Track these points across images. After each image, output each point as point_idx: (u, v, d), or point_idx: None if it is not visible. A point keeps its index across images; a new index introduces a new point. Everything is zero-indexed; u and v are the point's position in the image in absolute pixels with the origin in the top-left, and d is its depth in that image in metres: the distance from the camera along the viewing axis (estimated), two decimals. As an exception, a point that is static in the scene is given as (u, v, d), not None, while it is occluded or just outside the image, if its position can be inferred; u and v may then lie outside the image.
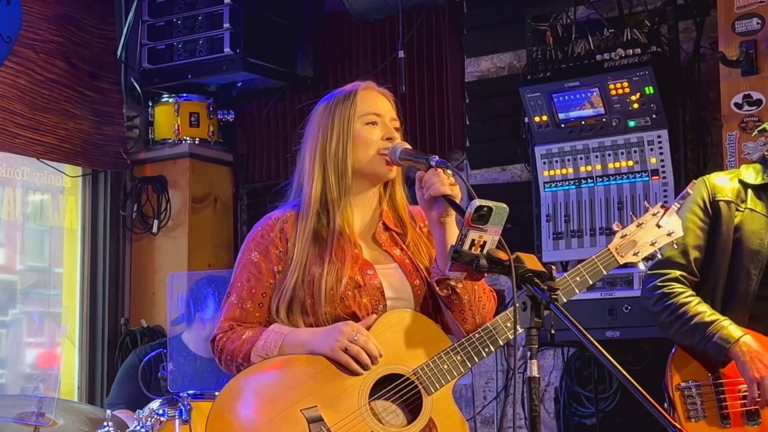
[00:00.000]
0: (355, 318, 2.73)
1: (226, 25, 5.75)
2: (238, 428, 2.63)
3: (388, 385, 2.68)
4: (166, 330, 5.95)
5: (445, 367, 2.67)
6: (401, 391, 2.68)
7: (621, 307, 4.59)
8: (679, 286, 3.43)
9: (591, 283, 2.77)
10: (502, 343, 2.72)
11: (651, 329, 4.30)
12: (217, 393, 4.05)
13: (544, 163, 4.88)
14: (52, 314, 6.09)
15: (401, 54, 5.24)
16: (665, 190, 4.59)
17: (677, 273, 3.43)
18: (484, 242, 2.43)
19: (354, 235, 2.82)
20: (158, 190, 6.11)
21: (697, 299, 3.41)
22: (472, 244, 2.43)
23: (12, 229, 5.98)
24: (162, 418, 4.01)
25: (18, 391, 5.72)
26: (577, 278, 2.76)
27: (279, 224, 2.84)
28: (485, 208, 2.41)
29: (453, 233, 2.72)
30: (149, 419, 4.00)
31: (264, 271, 2.80)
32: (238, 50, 5.74)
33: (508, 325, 2.71)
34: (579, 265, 2.78)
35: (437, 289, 2.76)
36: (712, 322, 3.34)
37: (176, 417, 4.00)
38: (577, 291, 2.75)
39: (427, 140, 5.68)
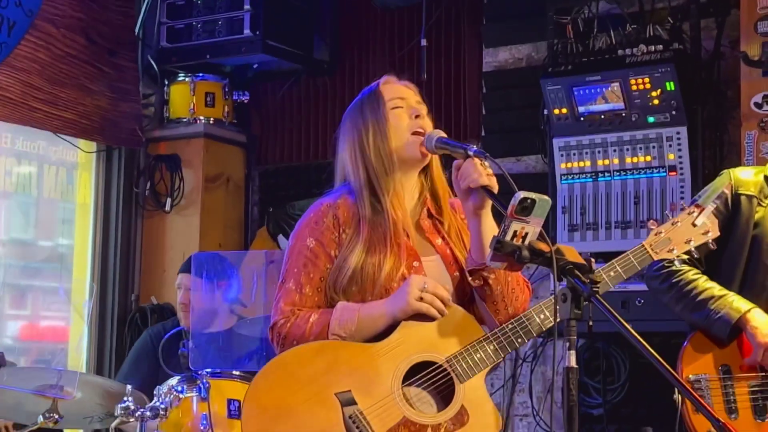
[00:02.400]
0: None
1: (247, 6, 5.77)
2: (274, 408, 2.68)
3: (420, 372, 2.72)
4: (176, 308, 5.99)
5: (478, 356, 2.71)
6: (434, 379, 2.72)
7: (634, 300, 4.65)
8: (687, 266, 3.49)
9: (625, 278, 2.81)
10: (535, 334, 2.76)
11: (663, 323, 4.37)
12: (235, 372, 4.16)
13: (562, 155, 4.92)
14: (63, 289, 6.13)
15: (424, 42, 5.27)
16: (682, 187, 4.64)
17: (685, 256, 3.47)
18: (526, 233, 2.47)
19: (406, 220, 2.87)
20: (172, 168, 6.13)
21: (704, 277, 3.47)
22: (514, 235, 2.47)
23: (29, 202, 6.02)
24: (181, 395, 4.06)
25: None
26: (611, 273, 2.80)
27: (332, 210, 2.88)
28: (529, 200, 2.46)
29: (488, 224, 2.77)
30: (168, 395, 4.05)
31: (321, 256, 2.83)
32: (257, 32, 5.76)
33: (542, 316, 2.75)
34: (613, 260, 2.82)
35: (470, 279, 2.80)
36: (722, 296, 3.41)
37: (195, 394, 4.05)
38: (611, 285, 2.80)
39: (443, 128, 5.70)
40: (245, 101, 6.27)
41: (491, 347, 2.73)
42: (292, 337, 2.78)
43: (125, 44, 6.04)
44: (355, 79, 6.09)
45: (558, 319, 2.45)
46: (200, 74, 6.13)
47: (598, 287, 2.39)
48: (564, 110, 4.87)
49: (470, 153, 2.77)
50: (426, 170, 2.98)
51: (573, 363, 2.41)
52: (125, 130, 6.02)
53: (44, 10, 5.55)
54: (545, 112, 5.00)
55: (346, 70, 6.15)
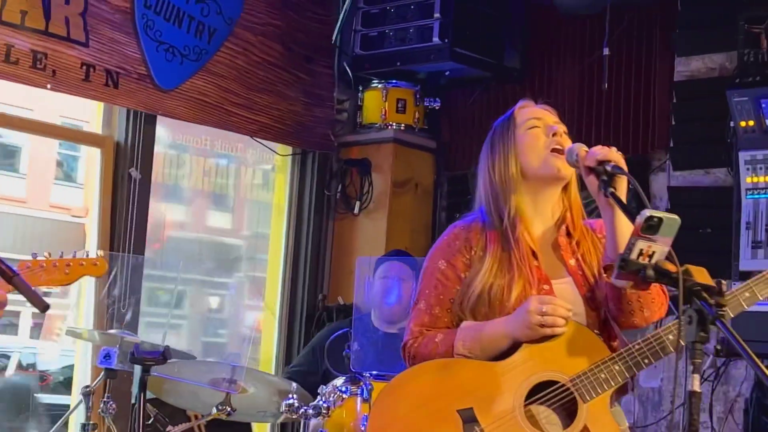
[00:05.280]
0: None
1: (437, 14, 5.84)
2: (398, 423, 2.75)
3: (544, 391, 2.72)
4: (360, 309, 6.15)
5: (603, 376, 2.69)
6: (556, 398, 2.71)
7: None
8: None
9: (761, 298, 2.72)
10: (663, 356, 2.70)
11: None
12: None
13: (748, 169, 4.75)
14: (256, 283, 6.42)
15: (606, 51, 5.19)
16: None
17: None
18: (653, 252, 2.42)
19: (535, 244, 2.88)
20: (362, 172, 6.28)
21: None
22: (640, 253, 2.42)
23: (228, 201, 6.33)
24: (344, 395, 4.16)
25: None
26: (746, 293, 2.72)
27: (464, 233, 2.95)
28: (656, 219, 2.40)
29: (623, 218, 2.72)
30: (332, 395, 4.15)
31: (451, 278, 2.90)
32: (446, 40, 5.82)
33: (670, 337, 2.69)
34: (749, 280, 2.74)
35: (605, 275, 2.77)
36: None
37: (358, 395, 4.14)
38: (746, 306, 2.71)
39: (630, 138, 5.63)
40: (436, 108, 6.35)
41: (617, 367, 2.70)
42: (420, 356, 2.86)
43: (321, 51, 6.23)
44: (544, 86, 6.07)
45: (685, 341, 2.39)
46: (393, 81, 6.25)
47: (724, 310, 2.32)
48: (751, 123, 4.70)
49: (608, 168, 2.74)
50: (566, 188, 2.97)
51: (697, 387, 2.33)
52: (318, 134, 6.21)
53: (243, 18, 5.80)
54: (731, 123, 4.83)
55: (535, 77, 6.13)
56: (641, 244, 2.43)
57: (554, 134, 2.93)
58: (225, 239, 6.47)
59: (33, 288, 2.66)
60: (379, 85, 6.26)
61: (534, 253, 2.87)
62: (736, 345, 2.28)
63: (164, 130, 5.77)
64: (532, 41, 6.16)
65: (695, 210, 5.28)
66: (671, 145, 5.51)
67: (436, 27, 5.84)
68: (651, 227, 2.41)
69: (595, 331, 2.81)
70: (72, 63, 5.00)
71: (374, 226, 6.24)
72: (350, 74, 6.27)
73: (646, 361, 2.70)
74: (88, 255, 3.23)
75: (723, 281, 2.41)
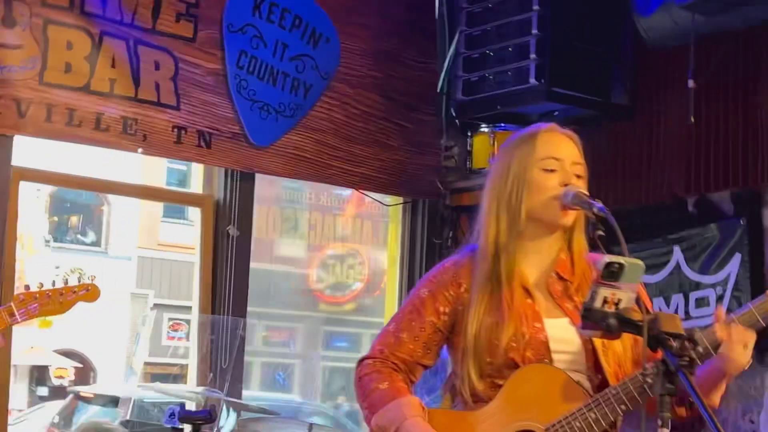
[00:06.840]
0: (517, 368, 2.67)
1: (532, 56, 5.72)
2: None
3: (520, 440, 2.61)
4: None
5: (578, 425, 2.57)
6: None
7: None
8: None
9: (763, 325, 2.53)
10: (640, 401, 2.53)
11: None
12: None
13: None
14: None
15: (691, 83, 4.97)
16: None
17: None
18: (619, 300, 2.29)
19: (527, 283, 2.76)
20: (472, 218, 6.18)
21: None
22: (605, 301, 2.30)
23: (341, 255, 6.37)
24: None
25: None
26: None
27: (454, 269, 2.85)
28: (616, 265, 2.27)
29: None
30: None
31: (428, 307, 2.81)
32: (542, 80, 5.69)
33: (648, 380, 2.51)
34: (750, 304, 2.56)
35: None
36: None
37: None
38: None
39: (740, 170, 5.34)
40: (548, 150, 6.21)
41: (592, 415, 2.57)
42: (360, 386, 2.79)
43: (425, 99, 6.20)
44: (653, 122, 5.84)
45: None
46: (501, 124, 6.16)
47: (686, 361, 2.16)
48: None
49: (594, 210, 2.62)
50: (568, 230, 2.84)
51: (667, 443, 2.17)
52: (424, 182, 6.18)
53: (340, 71, 5.84)
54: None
55: (645, 113, 5.91)
56: (604, 292, 2.31)
57: (565, 185, 2.80)
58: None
59: None
60: (487, 130, 6.18)
61: (528, 291, 2.75)
62: (695, 399, 2.12)
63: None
64: (639, 76, 5.95)
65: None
66: (782, 177, 5.20)
67: (532, 68, 5.71)
68: (612, 273, 2.29)
69: (598, 375, 2.67)
70: (163, 126, 5.15)
71: (485, 272, 6.13)
72: (457, 120, 6.22)
73: (623, 407, 2.56)
74: (80, 281, 3.30)
75: (696, 329, 2.25)
